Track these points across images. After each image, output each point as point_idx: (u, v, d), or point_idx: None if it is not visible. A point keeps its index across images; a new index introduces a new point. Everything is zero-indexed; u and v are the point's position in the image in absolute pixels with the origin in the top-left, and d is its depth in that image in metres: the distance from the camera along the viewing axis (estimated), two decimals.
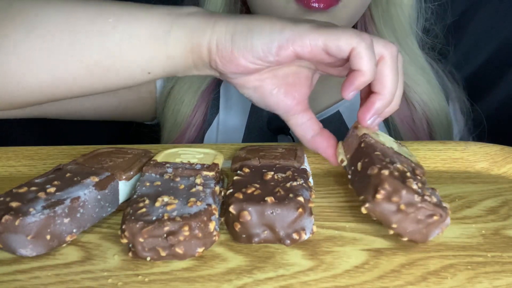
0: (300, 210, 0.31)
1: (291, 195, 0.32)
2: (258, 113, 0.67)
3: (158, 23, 0.38)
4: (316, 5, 0.51)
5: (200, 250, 0.30)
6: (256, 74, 0.40)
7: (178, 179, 0.35)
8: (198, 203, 0.31)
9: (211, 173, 0.36)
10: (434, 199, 0.31)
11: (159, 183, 0.34)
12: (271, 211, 0.31)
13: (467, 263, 0.30)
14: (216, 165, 0.37)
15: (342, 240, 0.32)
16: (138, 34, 0.38)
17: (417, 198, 0.30)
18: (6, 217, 0.29)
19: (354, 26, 0.65)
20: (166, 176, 0.35)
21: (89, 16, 0.39)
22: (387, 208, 0.31)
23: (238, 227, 0.31)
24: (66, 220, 0.31)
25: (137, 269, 0.30)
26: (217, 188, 0.35)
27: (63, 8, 0.40)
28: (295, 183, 0.33)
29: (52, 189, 0.32)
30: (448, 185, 0.41)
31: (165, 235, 0.29)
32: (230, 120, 0.67)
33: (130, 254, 0.30)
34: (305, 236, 0.31)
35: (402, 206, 0.30)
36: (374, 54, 0.35)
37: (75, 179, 0.34)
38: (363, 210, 0.31)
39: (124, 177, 0.36)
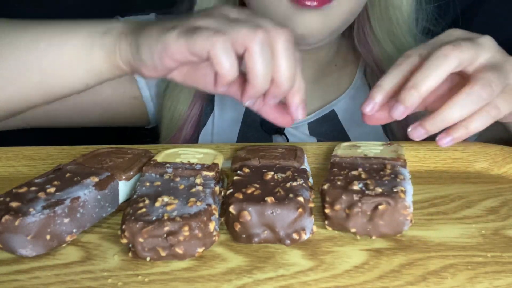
0: (300, 210, 0.31)
1: (291, 195, 0.32)
2: (252, 113, 0.67)
3: (81, 45, 0.43)
4: (309, 3, 0.51)
5: (200, 250, 0.30)
6: (174, 72, 0.42)
7: (178, 179, 0.35)
8: (198, 203, 0.31)
9: (211, 173, 0.36)
10: (379, 190, 0.32)
11: (159, 183, 0.34)
12: (271, 211, 0.30)
13: (467, 263, 0.30)
14: (216, 165, 0.37)
15: (342, 240, 0.32)
16: (67, 55, 0.44)
17: (356, 196, 0.31)
18: (6, 217, 0.29)
19: (351, 27, 0.65)
20: (166, 176, 0.35)
21: (25, 43, 0.45)
22: (338, 218, 0.32)
23: (238, 227, 0.31)
24: (66, 220, 0.31)
25: (137, 269, 0.30)
26: (217, 188, 0.35)
27: (4, 37, 0.45)
28: (295, 183, 0.33)
29: (52, 189, 0.32)
30: (448, 185, 0.41)
31: (165, 235, 0.29)
32: (225, 120, 0.67)
33: (130, 254, 0.30)
34: (305, 236, 0.31)
35: (347, 210, 0.32)
36: (229, 53, 0.35)
37: (75, 179, 0.34)
38: (328, 228, 0.33)
39: (124, 177, 0.36)
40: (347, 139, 0.65)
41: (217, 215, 0.32)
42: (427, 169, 0.44)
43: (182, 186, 0.34)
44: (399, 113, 0.38)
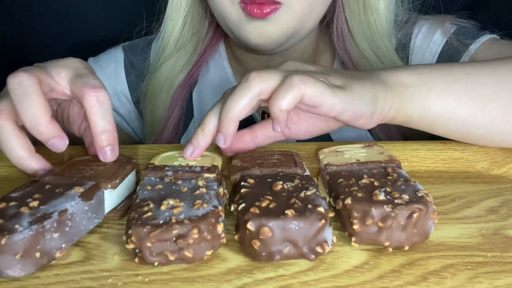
0: (323, 221, 0.29)
1: (309, 206, 0.30)
2: None
3: None
4: (258, 12, 0.52)
5: (208, 252, 0.30)
6: None
7: (179, 182, 0.35)
8: (205, 205, 0.31)
9: (212, 175, 0.36)
10: (406, 197, 0.31)
11: (160, 186, 0.34)
12: (293, 225, 0.29)
13: (467, 263, 0.30)
14: (216, 167, 0.37)
15: (342, 240, 0.32)
16: None
17: (387, 207, 0.30)
18: None
19: (329, 29, 0.64)
20: (167, 179, 0.35)
21: None
22: (369, 232, 0.31)
23: (257, 244, 0.29)
24: (55, 235, 0.29)
25: (137, 269, 0.30)
26: (221, 190, 0.34)
27: None
28: (308, 193, 0.32)
29: (35, 203, 0.30)
30: (448, 185, 0.41)
31: (174, 239, 0.28)
32: None
33: (136, 260, 0.29)
34: (327, 248, 0.30)
35: (380, 223, 0.30)
36: (27, 93, 0.36)
37: (57, 190, 0.32)
38: (354, 245, 0.31)
39: (109, 185, 0.34)
40: (329, 139, 0.65)
41: (223, 217, 0.31)
42: (427, 169, 0.44)
43: (185, 189, 0.33)
44: (221, 142, 0.38)
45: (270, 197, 0.31)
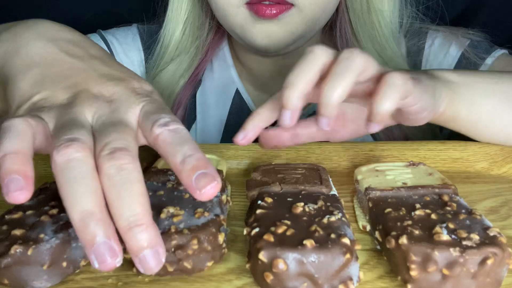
0: (348, 255, 0.25)
1: (332, 235, 0.26)
2: (234, 120, 0.66)
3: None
4: (268, 11, 0.51)
5: (209, 264, 0.29)
6: None
7: (181, 187, 0.33)
8: (206, 214, 0.30)
9: None
10: (476, 237, 0.26)
11: (162, 192, 0.33)
12: (312, 258, 0.25)
13: None
14: (220, 171, 0.36)
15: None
16: None
17: (454, 251, 0.25)
18: (15, 247, 0.26)
19: (332, 31, 0.64)
20: (169, 185, 0.34)
21: None
22: (431, 281, 0.26)
23: (270, 278, 0.26)
24: (80, 243, 0.28)
25: None
26: (224, 197, 0.33)
27: None
28: (333, 218, 0.29)
29: (54, 211, 0.30)
30: None
31: (173, 250, 0.28)
32: (208, 127, 0.67)
33: (134, 270, 0.29)
34: (352, 287, 0.26)
35: (445, 271, 0.25)
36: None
37: None
38: None
39: None
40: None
41: (225, 226, 0.30)
42: None
43: (187, 195, 0.32)
44: (287, 118, 0.35)
45: (288, 222, 0.28)
